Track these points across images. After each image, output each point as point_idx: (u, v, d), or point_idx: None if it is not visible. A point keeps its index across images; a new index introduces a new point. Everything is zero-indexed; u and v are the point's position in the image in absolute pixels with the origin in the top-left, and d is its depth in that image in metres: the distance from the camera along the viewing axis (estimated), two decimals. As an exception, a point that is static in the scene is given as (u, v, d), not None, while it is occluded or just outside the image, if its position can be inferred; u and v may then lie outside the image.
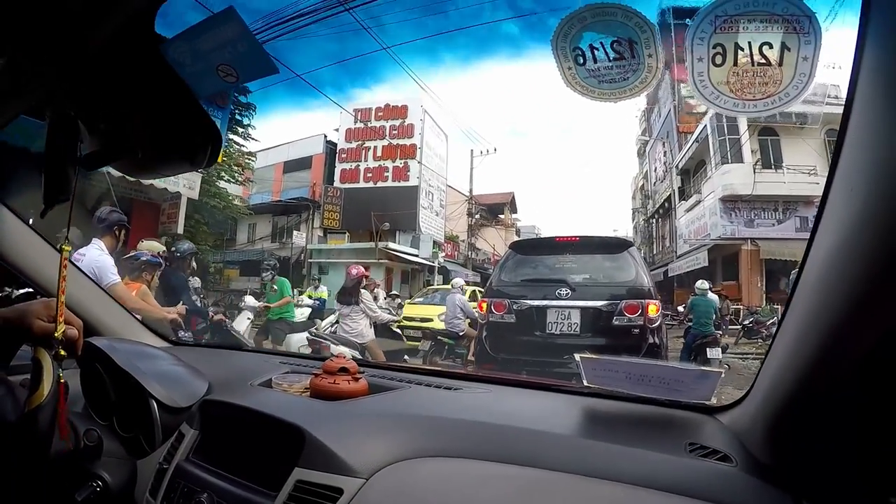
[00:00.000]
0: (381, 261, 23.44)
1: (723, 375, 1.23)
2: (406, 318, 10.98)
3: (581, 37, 1.64)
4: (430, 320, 10.43)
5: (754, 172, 19.73)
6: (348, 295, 6.75)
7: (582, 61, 1.66)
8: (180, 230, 13.92)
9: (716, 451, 1.05)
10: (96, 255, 3.76)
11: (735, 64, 1.57)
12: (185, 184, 13.19)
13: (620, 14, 1.60)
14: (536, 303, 5.98)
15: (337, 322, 7.62)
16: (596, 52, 1.64)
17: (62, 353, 1.03)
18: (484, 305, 6.42)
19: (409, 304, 13.95)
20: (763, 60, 1.54)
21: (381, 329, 7.30)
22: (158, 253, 5.25)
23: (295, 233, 26.22)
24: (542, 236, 8.30)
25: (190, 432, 1.36)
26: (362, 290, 6.87)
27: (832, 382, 0.76)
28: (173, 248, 5.89)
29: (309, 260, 25.48)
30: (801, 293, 0.80)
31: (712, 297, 8.98)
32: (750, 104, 1.59)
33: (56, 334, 1.02)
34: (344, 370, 1.45)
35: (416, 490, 1.04)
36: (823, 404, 0.80)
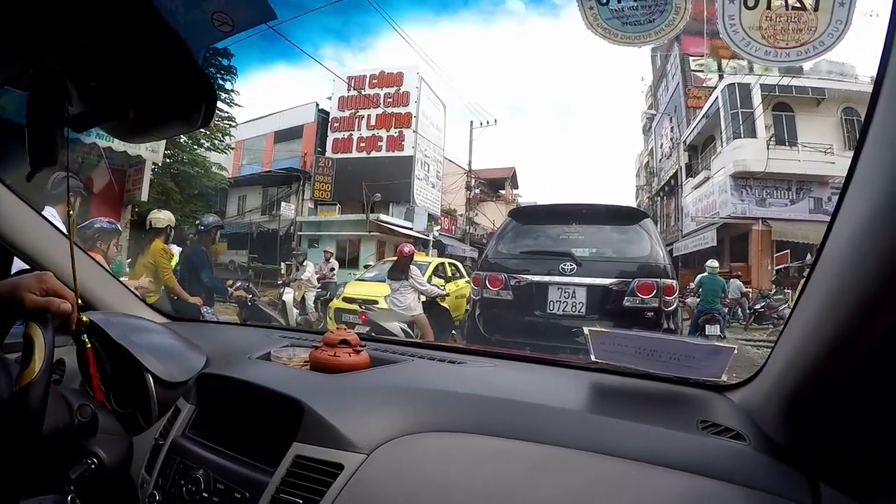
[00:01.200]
0: (372, 233, 23.18)
1: (735, 351, 1.21)
2: (344, 300, 9.16)
3: None
4: (375, 302, 8.45)
5: (768, 148, 19.02)
6: (399, 271, 6.99)
7: (605, 1, 1.66)
8: (144, 197, 13.20)
9: (728, 428, 1.04)
10: None
11: (769, 7, 1.60)
12: (148, 146, 12.45)
13: None
14: (537, 278, 5.37)
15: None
16: None
17: (84, 318, 1.06)
18: (478, 280, 5.77)
19: (355, 281, 11.08)
20: (798, 4, 1.58)
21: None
22: (169, 226, 5.31)
23: (283, 204, 25.81)
24: (546, 203, 7.60)
25: (186, 407, 1.35)
26: (412, 267, 7.08)
27: (848, 365, 0.74)
28: (197, 222, 5.94)
29: (299, 233, 25.14)
30: (821, 274, 0.80)
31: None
32: (783, 52, 1.62)
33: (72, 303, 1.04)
34: (345, 342, 1.42)
35: (419, 465, 1.03)
36: (839, 386, 0.78)
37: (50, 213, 3.53)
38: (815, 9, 1.52)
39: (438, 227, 26.19)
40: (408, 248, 7.34)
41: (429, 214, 26.61)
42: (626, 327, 3.85)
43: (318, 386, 1.28)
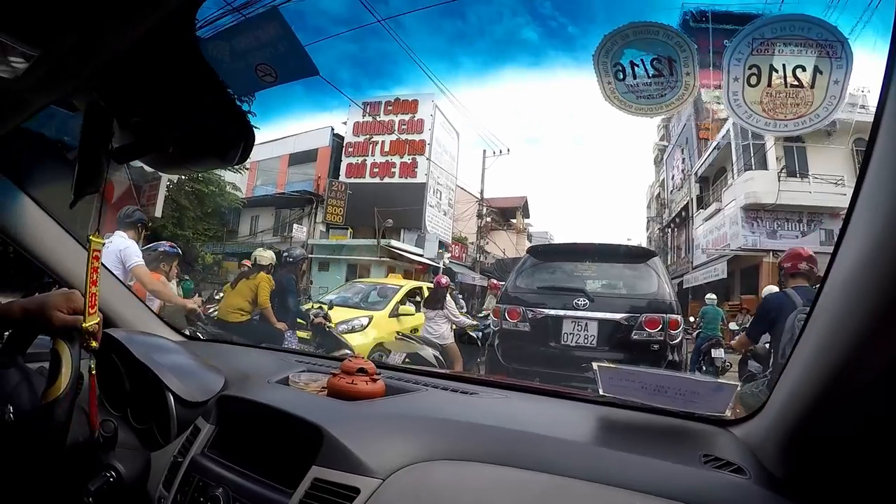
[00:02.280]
0: (382, 259, 23.05)
1: (738, 388, 1.24)
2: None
3: (622, 53, 1.70)
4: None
5: (779, 180, 18.86)
6: (435, 301, 7.43)
7: (622, 77, 1.75)
8: (158, 213, 13.35)
9: (730, 462, 1.06)
10: (121, 242, 4.07)
11: (769, 85, 1.67)
12: (164, 162, 12.27)
13: (662, 33, 1.67)
14: (552, 312, 5.76)
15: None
16: (636, 68, 1.71)
17: (93, 344, 1.07)
18: (498, 311, 6.18)
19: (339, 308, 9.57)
20: (796, 82, 1.62)
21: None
22: (271, 264, 6.22)
23: (295, 226, 25.86)
24: (561, 242, 8.24)
25: (206, 427, 1.38)
26: (448, 298, 7.51)
27: (849, 398, 0.76)
28: (285, 254, 6.43)
29: (309, 255, 24.32)
30: (822, 307, 0.82)
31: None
32: (781, 124, 1.72)
33: (85, 325, 1.06)
34: (362, 371, 1.46)
35: (432, 492, 1.05)
36: (840, 420, 0.80)
37: (120, 236, 3.98)
38: (812, 86, 1.66)
39: (449, 255, 26.13)
40: (444, 279, 7.86)
41: (440, 242, 26.53)
42: (634, 358, 4.30)
43: (336, 412, 1.31)
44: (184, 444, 1.38)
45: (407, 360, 6.55)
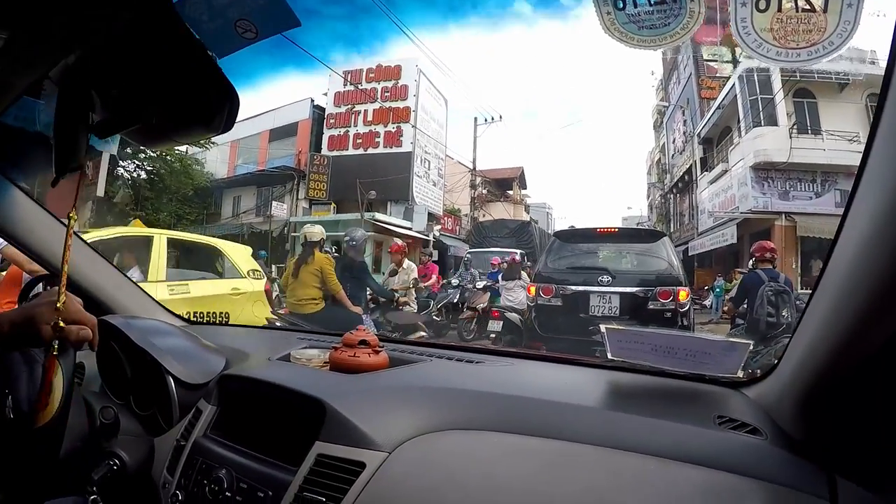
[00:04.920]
0: (367, 234, 20.99)
1: (751, 348, 1.24)
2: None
3: None
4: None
5: (790, 137, 17.92)
6: (511, 272, 9.07)
7: (622, 5, 1.65)
8: (100, 192, 12.05)
9: (745, 423, 1.06)
10: None
11: (779, 10, 1.57)
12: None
13: None
14: (581, 288, 6.89)
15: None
16: None
17: (61, 324, 1.00)
18: (532, 289, 7.37)
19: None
20: (808, 6, 1.55)
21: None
22: (322, 238, 5.91)
23: (275, 204, 25.56)
24: (584, 227, 8.80)
25: (207, 408, 1.39)
26: (521, 272, 9.34)
27: (863, 358, 0.77)
28: (347, 238, 6.40)
29: (293, 234, 23.86)
30: (833, 269, 0.82)
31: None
32: (793, 52, 1.60)
33: (58, 304, 1.00)
34: (364, 343, 1.47)
35: (439, 463, 1.07)
36: (855, 379, 0.81)
37: None
38: (825, 10, 1.46)
39: (439, 227, 25.21)
40: (517, 256, 10.04)
41: (429, 213, 25.96)
42: (650, 325, 4.65)
43: (338, 386, 1.31)
44: (186, 428, 1.38)
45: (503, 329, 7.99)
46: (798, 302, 6.93)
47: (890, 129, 0.69)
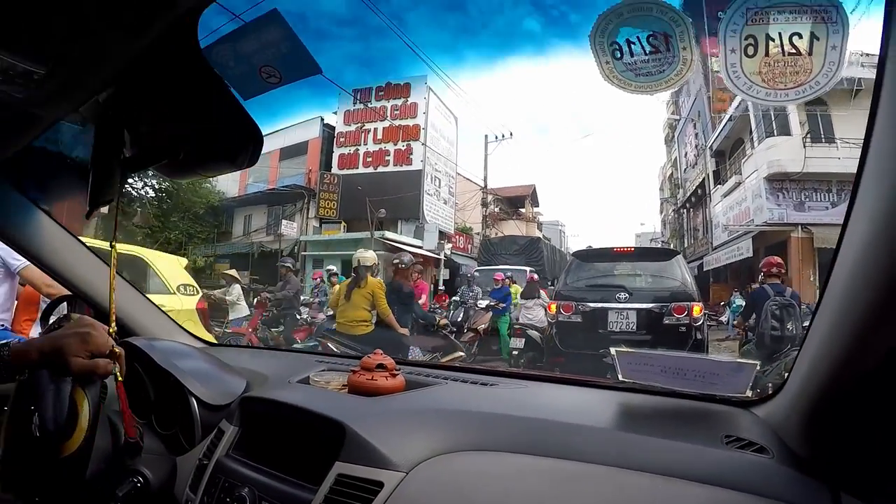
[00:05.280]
0: (377, 252, 20.76)
1: (758, 368, 1.26)
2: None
3: (618, 32, 1.73)
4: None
5: (804, 147, 17.57)
6: (531, 292, 9.54)
7: (619, 55, 1.75)
8: (105, 209, 11.99)
9: (752, 442, 1.08)
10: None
11: (767, 54, 1.67)
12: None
13: (656, 9, 1.69)
14: (599, 305, 7.24)
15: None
16: (632, 46, 1.74)
17: (116, 350, 1.11)
18: (553, 307, 7.77)
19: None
20: (794, 50, 1.64)
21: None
22: (375, 264, 6.45)
23: (284, 222, 25.57)
24: (601, 247, 9.13)
25: (230, 429, 1.43)
26: (540, 290, 9.84)
27: (867, 373, 0.78)
28: (396, 261, 6.62)
29: (303, 253, 24.40)
30: (835, 283, 0.83)
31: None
32: (782, 93, 1.68)
33: (110, 330, 1.12)
34: (381, 367, 1.51)
35: (455, 483, 1.09)
36: (860, 395, 0.82)
37: None
38: (810, 53, 1.57)
39: (451, 245, 25.17)
40: (535, 276, 10.66)
41: (440, 232, 25.75)
42: (667, 339, 5.53)
43: (357, 408, 1.34)
44: (208, 447, 1.42)
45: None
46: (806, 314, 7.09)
47: (881, 148, 0.72)
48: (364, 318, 6.00)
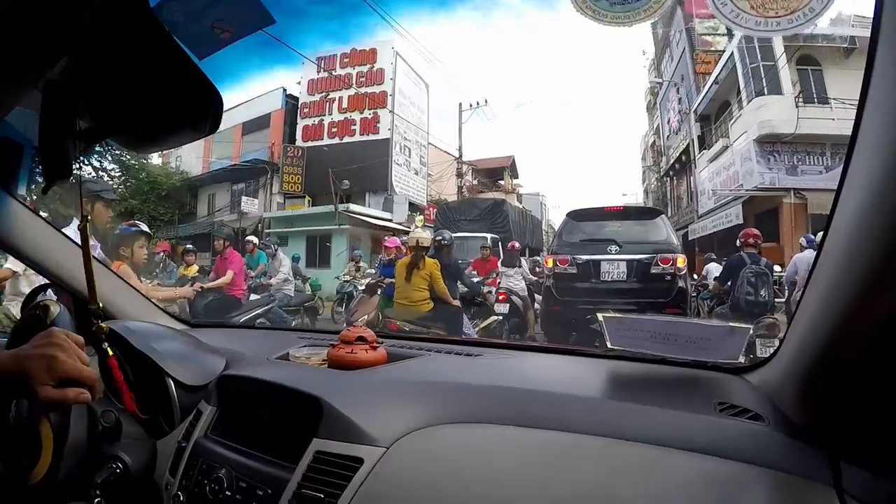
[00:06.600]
0: (342, 226, 21.46)
1: (750, 332, 1.29)
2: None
3: None
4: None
5: (797, 107, 16.87)
6: (512, 260, 9.67)
7: None
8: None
9: (746, 409, 1.08)
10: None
11: None
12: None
13: None
14: (593, 257, 8.00)
15: None
16: None
17: (104, 327, 1.16)
18: (550, 261, 8.39)
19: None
20: None
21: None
22: (429, 244, 6.60)
23: (245, 199, 25.22)
24: (592, 207, 9.29)
25: (207, 409, 1.42)
26: (520, 259, 10.38)
27: (860, 340, 0.76)
28: (438, 237, 7.02)
29: (266, 230, 23.89)
30: (829, 248, 0.82)
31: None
32: (773, 21, 1.76)
33: (95, 307, 1.14)
34: (361, 339, 1.50)
35: (438, 457, 1.08)
36: (856, 361, 0.80)
37: (75, 224, 3.52)
38: None
39: (422, 218, 23.68)
40: (518, 244, 10.49)
41: (411, 204, 25.37)
42: (653, 286, 7.67)
43: (336, 383, 1.34)
44: (187, 429, 1.41)
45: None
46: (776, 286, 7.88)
47: (878, 107, 0.68)
48: (424, 297, 6.34)
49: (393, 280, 7.42)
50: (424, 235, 6.60)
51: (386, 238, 9.76)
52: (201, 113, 0.91)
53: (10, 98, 1.04)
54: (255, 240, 10.45)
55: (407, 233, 22.04)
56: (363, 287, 9.33)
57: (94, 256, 1.64)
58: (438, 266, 6.46)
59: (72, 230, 3.62)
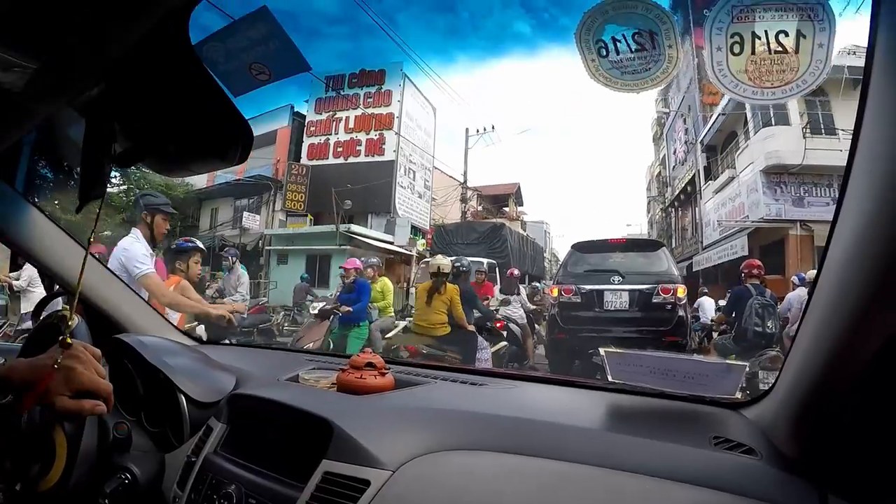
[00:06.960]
0: (343, 247, 21.12)
1: (747, 369, 1.40)
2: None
3: (603, 29, 1.69)
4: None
5: (804, 138, 16.77)
6: (511, 287, 10.28)
7: (605, 53, 1.72)
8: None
9: (740, 444, 1.10)
10: (125, 244, 3.60)
11: (753, 52, 1.66)
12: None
13: (641, 7, 1.65)
14: (597, 287, 8.28)
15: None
16: (618, 43, 1.70)
17: (68, 341, 1.05)
18: (555, 290, 8.74)
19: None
20: (780, 48, 1.62)
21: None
22: (450, 270, 6.85)
23: (247, 215, 25.00)
24: (596, 238, 9.52)
25: (218, 426, 1.45)
26: (520, 286, 10.84)
27: (851, 376, 0.80)
28: (457, 264, 7.27)
29: (267, 247, 23.88)
30: (823, 285, 0.85)
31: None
32: (769, 91, 1.69)
33: (69, 323, 1.08)
34: (370, 365, 1.54)
35: (442, 482, 1.10)
36: (847, 396, 0.83)
37: (134, 234, 3.54)
38: (797, 51, 1.53)
39: (424, 241, 24.40)
40: (517, 271, 11.30)
41: (413, 227, 25.12)
42: (654, 315, 8.23)
43: (345, 406, 1.37)
44: (197, 444, 1.45)
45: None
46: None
47: (869, 149, 0.72)
48: (442, 321, 6.57)
49: (349, 309, 7.16)
50: (445, 262, 6.84)
51: (346, 259, 8.77)
52: (231, 144, 0.95)
53: (42, 114, 1.03)
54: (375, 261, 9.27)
55: (408, 255, 22.08)
56: (315, 311, 8.22)
57: (114, 273, 1.78)
58: (458, 292, 6.72)
59: (126, 241, 3.60)
